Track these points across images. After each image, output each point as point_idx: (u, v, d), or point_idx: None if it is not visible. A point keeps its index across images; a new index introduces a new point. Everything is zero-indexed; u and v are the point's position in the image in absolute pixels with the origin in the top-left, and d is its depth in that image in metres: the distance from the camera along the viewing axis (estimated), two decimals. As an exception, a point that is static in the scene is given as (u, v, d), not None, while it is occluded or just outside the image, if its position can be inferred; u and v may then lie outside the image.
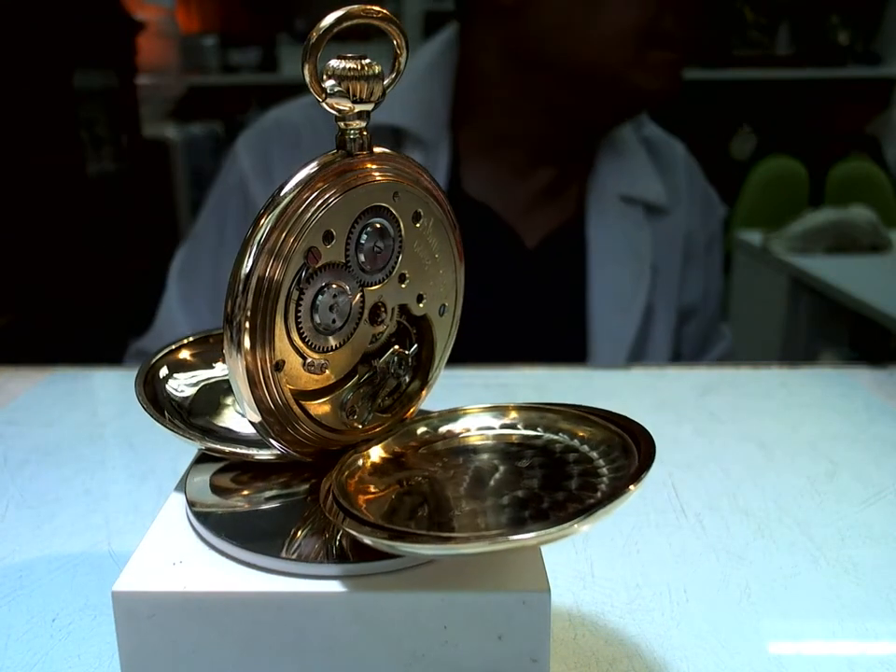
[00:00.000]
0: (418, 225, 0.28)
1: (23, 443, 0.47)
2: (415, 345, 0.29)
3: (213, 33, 2.57)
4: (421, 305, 0.29)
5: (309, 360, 0.26)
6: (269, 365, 0.24)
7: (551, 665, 0.24)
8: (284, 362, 0.25)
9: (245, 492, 0.28)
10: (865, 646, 0.30)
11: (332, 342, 0.26)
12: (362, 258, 0.26)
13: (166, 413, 0.29)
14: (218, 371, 0.33)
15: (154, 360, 0.32)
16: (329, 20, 0.23)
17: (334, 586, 0.23)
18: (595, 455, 0.26)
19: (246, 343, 0.23)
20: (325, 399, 0.27)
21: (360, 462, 0.28)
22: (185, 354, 0.33)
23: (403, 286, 0.28)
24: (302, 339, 0.25)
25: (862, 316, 1.20)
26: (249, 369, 0.24)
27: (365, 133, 0.25)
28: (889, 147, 2.40)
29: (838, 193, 2.00)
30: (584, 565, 0.35)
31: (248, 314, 0.23)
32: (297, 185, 0.24)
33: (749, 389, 0.55)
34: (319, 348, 0.26)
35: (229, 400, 0.31)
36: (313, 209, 0.24)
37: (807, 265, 1.37)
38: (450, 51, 0.73)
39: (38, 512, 0.39)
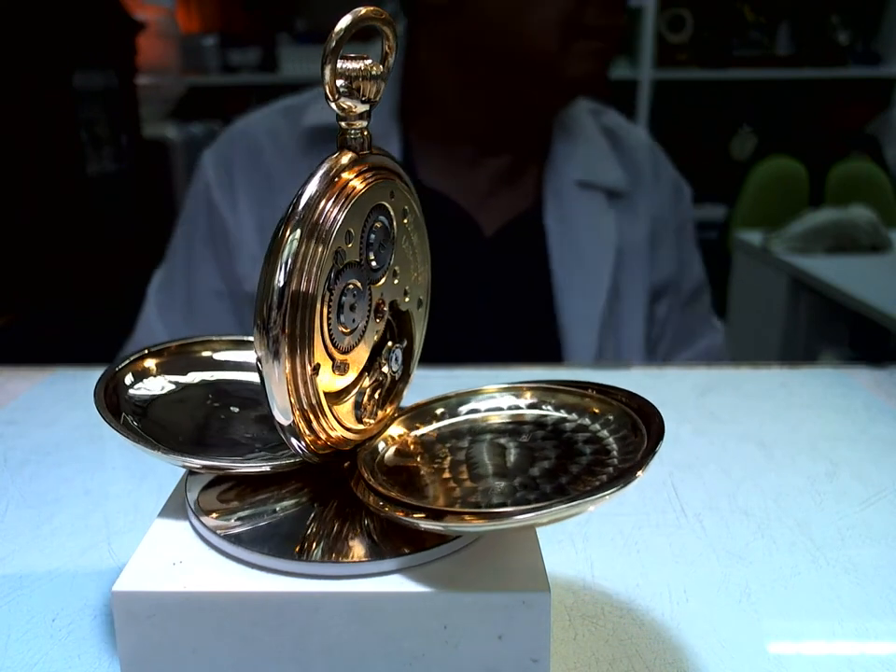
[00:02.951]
0: (406, 221, 0.28)
1: (23, 443, 0.47)
2: (405, 339, 0.30)
3: (213, 33, 2.57)
4: (407, 300, 0.29)
5: (336, 361, 0.26)
6: (308, 370, 0.24)
7: (551, 665, 0.24)
8: (320, 365, 0.25)
9: (242, 498, 0.28)
10: (865, 646, 0.30)
11: (351, 341, 0.27)
12: (371, 255, 0.27)
13: (130, 422, 0.29)
14: (181, 379, 0.32)
15: (117, 369, 0.31)
16: (346, 21, 0.24)
17: (334, 586, 0.23)
18: (607, 434, 0.27)
19: (286, 350, 0.24)
20: (345, 399, 0.27)
21: (381, 450, 0.29)
22: (148, 364, 0.32)
23: (396, 281, 0.29)
24: (331, 341, 0.25)
25: (862, 316, 1.20)
26: (287, 375, 0.24)
27: (366, 132, 0.26)
28: (889, 147, 2.40)
29: (838, 193, 2.00)
30: (584, 565, 0.35)
31: (286, 323, 0.23)
32: (317, 190, 0.24)
33: (749, 389, 0.55)
34: (343, 349, 0.26)
35: (199, 413, 0.31)
36: (336, 210, 0.24)
37: (807, 265, 1.37)
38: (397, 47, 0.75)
39: (38, 512, 0.39)
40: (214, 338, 0.34)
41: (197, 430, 0.30)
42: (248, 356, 0.34)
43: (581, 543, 0.36)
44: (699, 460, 0.44)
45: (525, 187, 0.76)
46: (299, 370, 0.24)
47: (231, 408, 0.31)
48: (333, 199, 0.24)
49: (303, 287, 0.24)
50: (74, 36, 1.80)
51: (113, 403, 0.29)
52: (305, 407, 0.25)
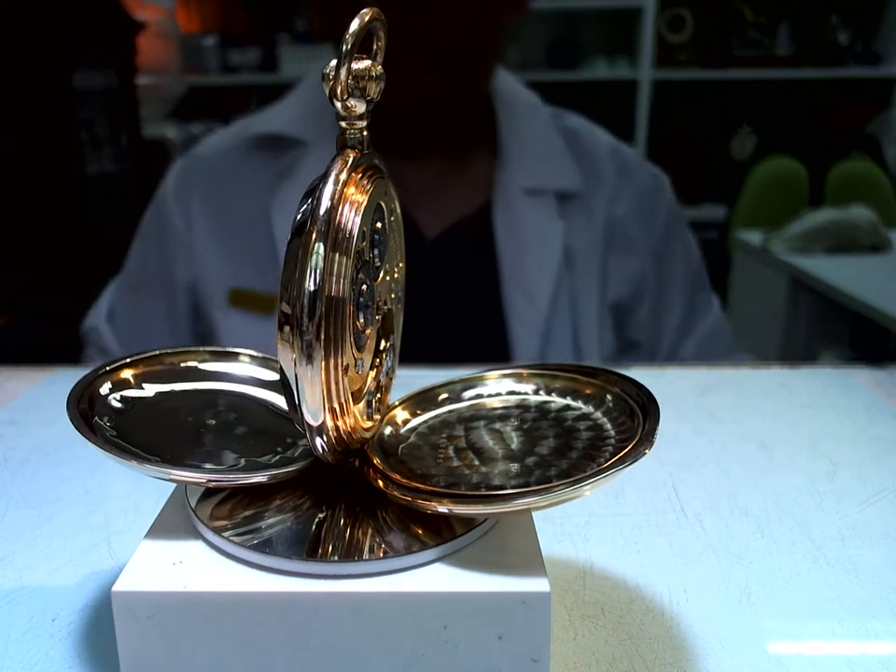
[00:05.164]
0: (392, 219, 0.29)
1: (23, 443, 0.47)
2: (391, 336, 0.30)
3: (213, 33, 2.57)
4: (392, 297, 0.30)
5: (356, 360, 0.26)
6: (339, 370, 0.25)
7: (551, 665, 0.24)
8: (349, 366, 0.25)
9: (242, 499, 0.27)
10: (865, 646, 0.30)
11: (365, 339, 0.27)
12: (376, 252, 0.27)
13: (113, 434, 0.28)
14: (156, 389, 0.31)
15: (90, 380, 0.30)
16: (357, 23, 0.24)
17: (334, 586, 0.23)
18: (600, 414, 0.29)
19: (320, 354, 0.24)
20: (361, 397, 0.27)
21: (388, 438, 0.29)
22: (125, 375, 0.31)
23: (388, 279, 0.29)
24: (354, 340, 0.26)
25: (862, 316, 1.20)
26: (321, 377, 0.24)
27: (365, 132, 0.26)
28: (889, 147, 2.39)
29: (838, 193, 2.00)
30: (584, 564, 0.35)
31: (321, 328, 0.24)
32: (334, 193, 0.24)
33: (749, 389, 0.55)
34: (361, 347, 0.27)
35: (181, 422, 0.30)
36: (353, 211, 0.25)
37: (807, 265, 1.37)
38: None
39: (38, 512, 0.39)
40: (197, 349, 0.33)
41: (186, 441, 0.29)
42: (228, 366, 0.33)
43: (581, 543, 0.36)
44: (699, 460, 0.44)
45: (472, 190, 0.73)
46: (332, 371, 0.24)
47: (209, 420, 0.31)
48: (349, 200, 0.25)
49: (334, 291, 0.24)
50: (74, 36, 1.80)
51: (89, 414, 0.28)
52: (335, 406, 0.25)
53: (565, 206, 0.73)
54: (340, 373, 0.25)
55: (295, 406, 0.25)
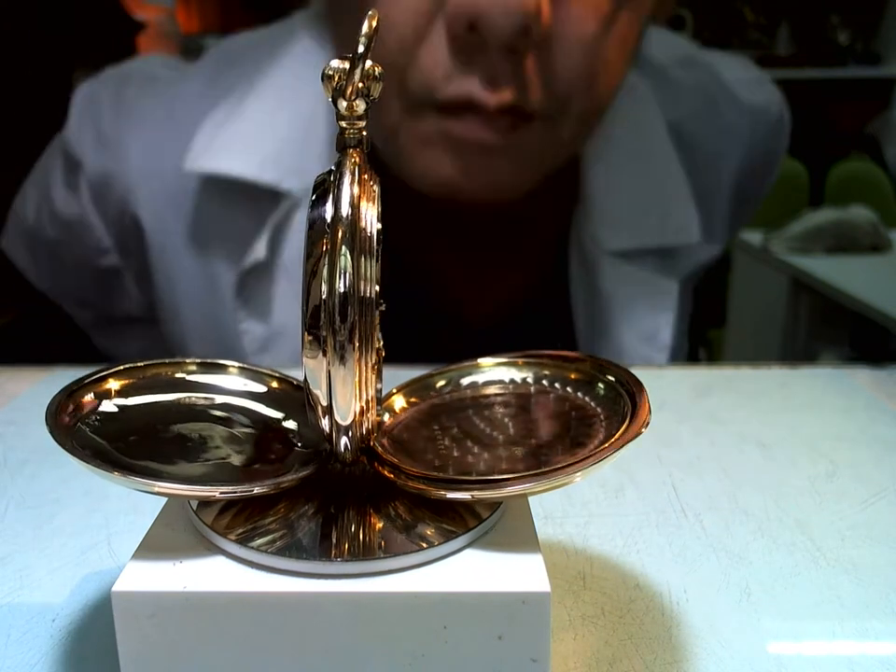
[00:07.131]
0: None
1: (23, 443, 0.47)
2: (380, 333, 0.30)
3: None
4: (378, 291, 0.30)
5: (377, 358, 0.27)
6: (369, 369, 0.25)
7: (551, 664, 0.24)
8: (375, 365, 0.26)
9: (243, 499, 0.27)
10: (865, 646, 0.30)
11: (377, 337, 0.27)
12: (379, 252, 0.27)
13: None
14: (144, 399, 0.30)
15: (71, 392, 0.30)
16: (368, 26, 0.24)
17: (334, 586, 0.23)
18: (591, 399, 0.29)
19: (353, 353, 0.24)
20: (377, 394, 0.28)
21: (386, 430, 0.30)
22: (110, 385, 0.30)
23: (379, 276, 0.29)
24: (376, 338, 0.26)
25: (862, 316, 1.21)
26: (354, 377, 0.24)
27: (364, 131, 0.26)
28: (889, 147, 2.39)
29: (838, 193, 2.00)
30: (584, 564, 0.35)
31: (354, 329, 0.24)
32: (353, 193, 0.24)
33: (749, 389, 0.55)
34: (377, 345, 0.27)
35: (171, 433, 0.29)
36: (369, 209, 0.25)
37: (807, 265, 1.37)
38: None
39: (38, 512, 0.39)
40: (184, 360, 0.32)
41: (180, 453, 0.28)
42: (215, 378, 0.32)
43: (580, 543, 0.36)
44: (699, 460, 0.44)
45: (533, 254, 0.50)
46: (362, 370, 0.25)
47: (200, 430, 0.30)
48: (364, 199, 0.25)
49: (363, 292, 0.24)
50: (74, 36, 1.80)
51: (72, 427, 0.28)
52: (363, 405, 0.26)
53: (672, 259, 0.51)
54: (369, 372, 0.25)
55: (321, 407, 0.25)
